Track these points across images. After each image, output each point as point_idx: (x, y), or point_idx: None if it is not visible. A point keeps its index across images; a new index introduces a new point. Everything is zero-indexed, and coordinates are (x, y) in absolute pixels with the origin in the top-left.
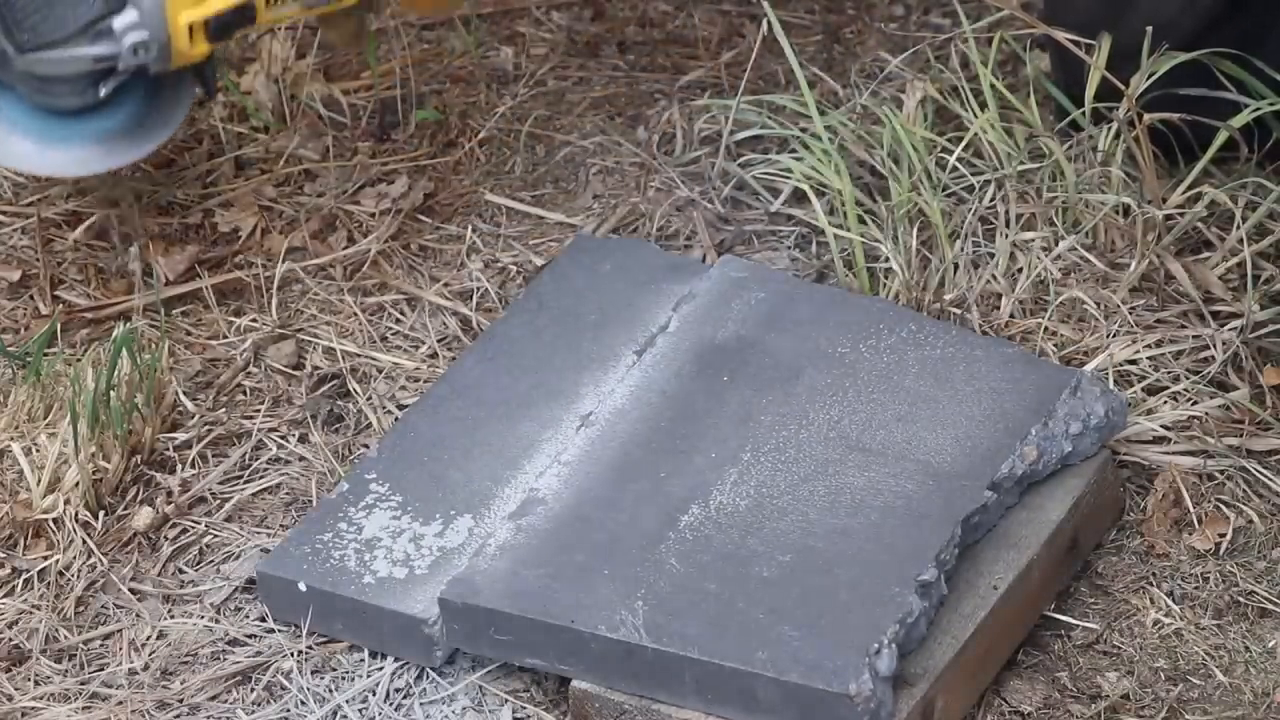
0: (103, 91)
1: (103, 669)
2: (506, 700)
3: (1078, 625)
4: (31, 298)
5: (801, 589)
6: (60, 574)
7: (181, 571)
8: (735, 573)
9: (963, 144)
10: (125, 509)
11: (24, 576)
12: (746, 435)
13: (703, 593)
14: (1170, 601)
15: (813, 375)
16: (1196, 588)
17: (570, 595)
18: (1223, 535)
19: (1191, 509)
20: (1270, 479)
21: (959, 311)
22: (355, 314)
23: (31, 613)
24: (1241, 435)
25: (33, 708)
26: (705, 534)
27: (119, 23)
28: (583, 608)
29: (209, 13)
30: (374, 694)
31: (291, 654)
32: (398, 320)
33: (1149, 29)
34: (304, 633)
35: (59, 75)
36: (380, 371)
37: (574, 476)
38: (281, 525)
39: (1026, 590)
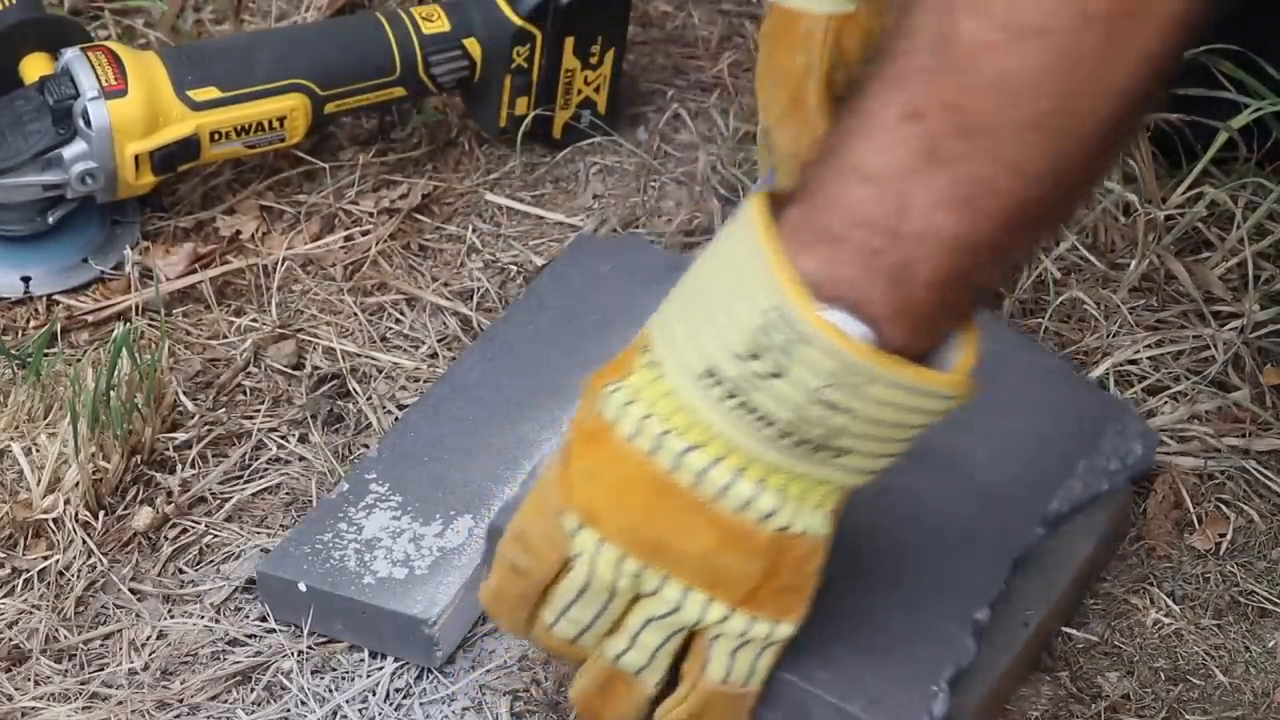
0: (51, 219)
1: (103, 669)
2: (507, 700)
3: (1078, 626)
4: (32, 298)
5: (849, 603)
6: (60, 574)
7: (181, 571)
8: None
9: None
10: (125, 509)
11: (24, 576)
12: None
13: None
14: (1170, 601)
15: None
16: (1196, 588)
17: None
18: (1223, 535)
19: (1192, 509)
20: (1270, 479)
21: None
22: (355, 314)
23: (31, 613)
24: (1241, 435)
25: (33, 708)
26: None
27: (69, 152)
28: None
29: (155, 145)
30: (374, 694)
31: (291, 654)
32: (398, 320)
33: None
34: (304, 633)
35: (9, 203)
36: (380, 371)
37: None
38: (281, 525)
39: (1051, 621)
